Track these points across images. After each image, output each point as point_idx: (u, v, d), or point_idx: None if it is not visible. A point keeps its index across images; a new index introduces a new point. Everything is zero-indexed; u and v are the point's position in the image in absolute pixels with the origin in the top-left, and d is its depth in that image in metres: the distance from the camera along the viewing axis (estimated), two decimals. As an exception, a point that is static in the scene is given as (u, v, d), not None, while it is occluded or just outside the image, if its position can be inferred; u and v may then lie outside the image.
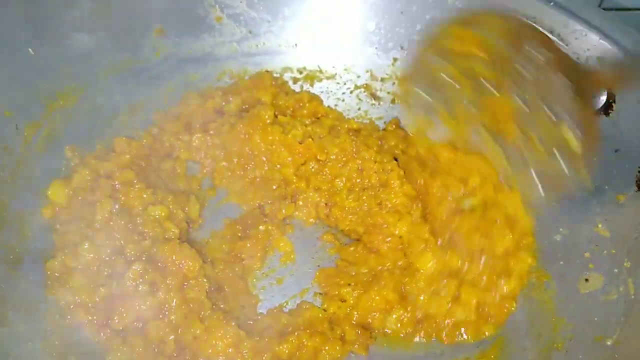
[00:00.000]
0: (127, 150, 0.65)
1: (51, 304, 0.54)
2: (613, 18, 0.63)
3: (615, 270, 0.57)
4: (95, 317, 0.54)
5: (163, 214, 0.60)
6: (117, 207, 0.59)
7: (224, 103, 0.72)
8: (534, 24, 0.54)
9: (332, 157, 0.67)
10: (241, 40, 0.76)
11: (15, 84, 0.60)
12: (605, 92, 0.61)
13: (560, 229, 0.63)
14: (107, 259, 0.56)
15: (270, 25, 0.76)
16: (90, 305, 0.54)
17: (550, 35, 0.53)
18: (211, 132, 0.69)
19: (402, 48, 0.75)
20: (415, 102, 0.59)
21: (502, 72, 0.53)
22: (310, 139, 0.68)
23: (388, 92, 0.77)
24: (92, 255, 0.56)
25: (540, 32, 0.53)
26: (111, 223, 0.58)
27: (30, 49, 0.61)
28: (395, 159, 0.68)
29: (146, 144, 0.68)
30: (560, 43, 0.54)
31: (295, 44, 0.77)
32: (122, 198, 0.60)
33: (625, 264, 0.56)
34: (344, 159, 0.68)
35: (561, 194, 0.55)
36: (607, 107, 0.61)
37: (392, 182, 0.66)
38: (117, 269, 0.55)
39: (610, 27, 0.62)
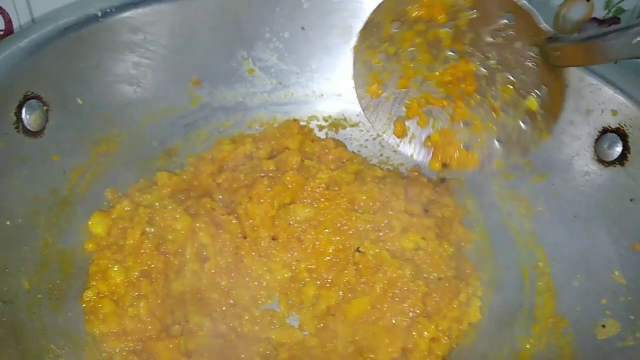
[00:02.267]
0: (168, 183, 0.70)
1: (89, 336, 0.58)
2: (627, 72, 0.66)
3: (632, 317, 0.58)
4: (126, 345, 0.57)
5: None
6: (152, 230, 0.63)
7: (254, 149, 0.77)
8: None
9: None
10: (271, 90, 0.81)
11: (64, 131, 0.64)
12: (621, 143, 0.64)
13: (578, 276, 0.64)
14: (134, 281, 0.60)
15: (299, 77, 0.81)
16: (120, 331, 0.58)
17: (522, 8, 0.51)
18: (241, 175, 0.73)
19: (423, 98, 0.79)
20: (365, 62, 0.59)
21: (464, 37, 0.53)
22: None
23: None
24: (120, 279, 0.60)
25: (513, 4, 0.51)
26: (142, 246, 0.62)
27: (79, 99, 0.66)
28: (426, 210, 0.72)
29: (186, 179, 0.72)
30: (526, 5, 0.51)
31: (322, 94, 0.82)
32: (159, 222, 0.64)
33: (641, 311, 0.58)
34: (374, 207, 0.71)
35: (521, 151, 0.57)
36: (622, 158, 0.63)
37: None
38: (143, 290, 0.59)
39: (624, 81, 0.65)
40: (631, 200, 0.62)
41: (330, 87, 0.82)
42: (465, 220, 0.75)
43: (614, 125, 0.64)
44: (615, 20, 0.96)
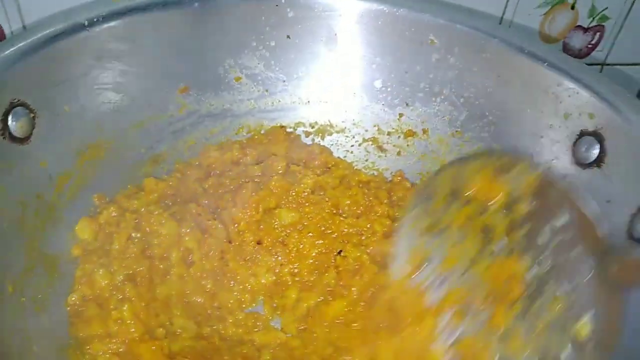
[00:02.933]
0: (155, 189, 0.71)
1: (73, 339, 0.59)
2: (603, 76, 0.67)
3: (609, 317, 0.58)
4: (110, 347, 0.58)
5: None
6: (138, 235, 0.64)
7: (241, 155, 0.78)
8: (563, 188, 0.46)
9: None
10: (258, 98, 0.82)
11: (51, 137, 0.65)
12: (598, 146, 0.65)
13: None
14: (119, 285, 0.61)
15: (285, 85, 0.82)
16: (104, 334, 0.59)
17: (577, 202, 0.45)
18: (227, 181, 0.74)
19: (407, 104, 0.80)
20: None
21: (519, 231, 0.46)
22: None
23: (394, 145, 0.82)
24: (106, 282, 0.61)
25: (568, 196, 0.46)
26: (128, 251, 0.64)
27: (66, 106, 0.67)
28: None
29: (173, 185, 0.73)
30: (587, 213, 0.44)
31: (308, 101, 0.83)
32: (145, 227, 0.65)
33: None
34: (358, 211, 0.72)
35: None
36: (599, 160, 0.64)
37: None
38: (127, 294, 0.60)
39: (600, 85, 0.66)
40: (607, 201, 0.63)
41: (316, 94, 0.83)
42: (448, 225, 0.76)
43: (591, 129, 0.65)
44: (599, 28, 0.97)
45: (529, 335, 0.45)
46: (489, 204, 0.47)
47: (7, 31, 0.78)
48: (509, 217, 0.46)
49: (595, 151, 0.64)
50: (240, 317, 0.66)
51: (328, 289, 0.67)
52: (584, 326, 0.43)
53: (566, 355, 0.43)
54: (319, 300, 0.66)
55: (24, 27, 0.79)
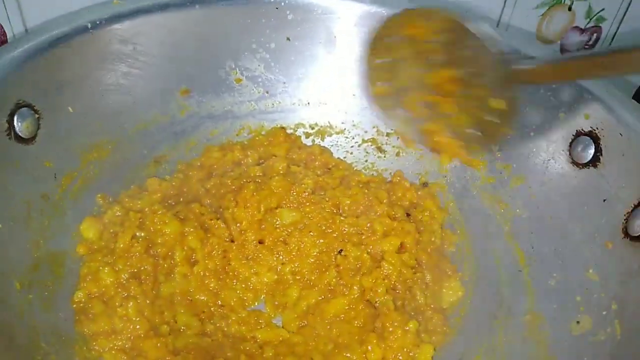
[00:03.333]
0: (158, 189, 0.72)
1: (79, 335, 0.60)
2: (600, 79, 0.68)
3: (604, 313, 0.59)
4: (115, 344, 0.59)
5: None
6: (142, 234, 0.66)
7: (242, 156, 0.79)
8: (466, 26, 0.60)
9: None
10: (259, 99, 0.83)
11: (56, 138, 0.67)
12: (593, 146, 0.66)
13: (554, 274, 0.66)
14: (124, 282, 0.62)
15: (286, 86, 0.83)
16: (110, 330, 0.60)
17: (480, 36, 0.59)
18: (229, 181, 0.75)
19: (405, 105, 0.81)
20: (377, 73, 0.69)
21: (447, 50, 0.62)
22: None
23: (393, 146, 0.83)
24: (111, 280, 0.62)
25: (472, 32, 0.60)
26: (132, 249, 0.65)
27: (70, 107, 0.69)
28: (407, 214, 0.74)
29: (175, 185, 0.75)
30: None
31: (308, 102, 0.84)
32: (149, 226, 0.67)
33: (612, 307, 0.59)
34: (358, 211, 0.73)
35: (491, 140, 0.64)
36: (595, 160, 0.65)
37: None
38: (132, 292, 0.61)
39: (596, 86, 0.67)
40: (604, 200, 0.64)
41: (316, 96, 0.84)
42: (447, 223, 0.77)
43: (586, 129, 0.66)
44: (596, 29, 0.98)
45: (466, 112, 0.63)
46: (423, 37, 0.63)
47: (9, 34, 0.80)
48: (438, 44, 0.62)
49: (591, 151, 0.66)
50: (243, 315, 0.67)
51: (329, 287, 0.68)
52: (500, 102, 0.59)
53: (487, 118, 0.61)
54: (319, 298, 0.67)
55: (26, 30, 0.80)
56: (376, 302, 0.66)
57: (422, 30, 0.63)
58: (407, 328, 0.63)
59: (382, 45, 0.67)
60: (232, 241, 0.71)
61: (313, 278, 0.69)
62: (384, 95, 0.70)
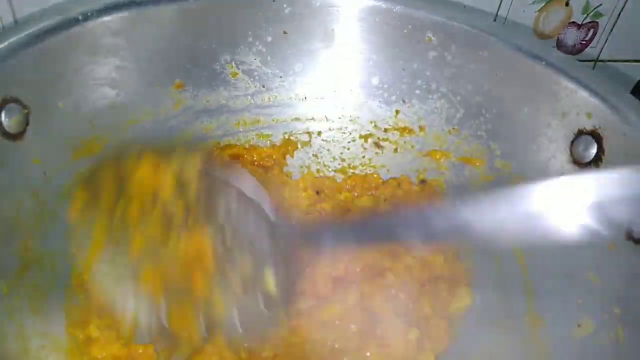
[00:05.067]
0: None
1: (71, 339, 0.58)
2: (602, 75, 0.67)
3: (606, 317, 0.59)
4: (108, 353, 0.57)
5: None
6: None
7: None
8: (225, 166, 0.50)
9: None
10: (255, 93, 0.81)
11: (45, 134, 0.64)
12: (595, 145, 0.65)
13: (555, 277, 0.65)
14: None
15: (282, 81, 0.81)
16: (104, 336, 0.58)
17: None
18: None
19: (404, 101, 0.80)
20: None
21: (198, 208, 0.48)
22: None
23: (390, 142, 0.82)
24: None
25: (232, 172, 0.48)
26: None
27: (60, 103, 0.66)
28: None
29: None
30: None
31: (305, 97, 0.83)
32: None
33: (615, 310, 0.59)
34: None
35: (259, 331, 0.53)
36: (597, 159, 0.65)
37: None
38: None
39: (598, 84, 0.66)
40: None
41: (313, 91, 0.83)
42: (445, 222, 0.76)
43: (588, 128, 0.65)
44: (593, 24, 0.97)
45: (228, 297, 0.49)
46: (159, 191, 0.48)
47: (-2, 25, 0.77)
48: (182, 198, 0.48)
49: (593, 150, 0.65)
50: None
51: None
52: (269, 281, 0.48)
53: (260, 308, 0.48)
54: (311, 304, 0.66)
55: (16, 21, 0.77)
56: (375, 308, 0.65)
57: (155, 186, 0.48)
58: (409, 337, 0.62)
59: (94, 201, 0.52)
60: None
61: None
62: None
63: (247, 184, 0.50)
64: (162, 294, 0.50)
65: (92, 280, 0.51)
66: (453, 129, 0.78)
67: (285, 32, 0.78)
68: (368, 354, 0.61)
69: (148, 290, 0.50)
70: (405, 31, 0.76)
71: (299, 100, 0.83)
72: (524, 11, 0.93)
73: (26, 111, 0.62)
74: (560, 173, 0.68)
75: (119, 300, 0.50)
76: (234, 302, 0.49)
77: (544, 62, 0.69)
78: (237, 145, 0.80)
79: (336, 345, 0.63)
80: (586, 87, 0.66)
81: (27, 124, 0.62)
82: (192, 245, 0.48)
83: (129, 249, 0.50)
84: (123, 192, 0.50)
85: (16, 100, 0.61)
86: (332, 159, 0.83)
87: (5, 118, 0.60)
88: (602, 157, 0.64)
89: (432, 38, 0.75)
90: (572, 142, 0.67)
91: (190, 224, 0.48)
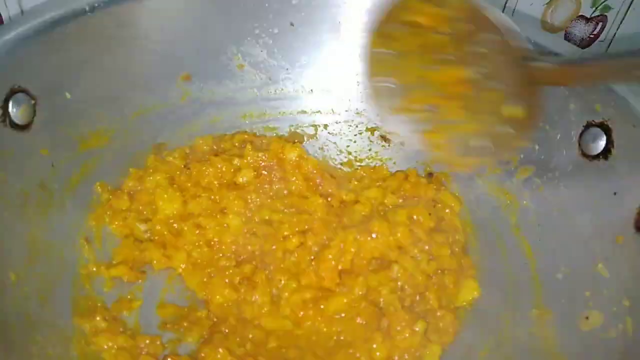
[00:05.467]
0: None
1: (77, 330, 0.58)
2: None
3: (614, 309, 0.58)
4: (114, 344, 0.58)
5: None
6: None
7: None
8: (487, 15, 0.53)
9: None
10: (261, 86, 0.81)
11: (52, 124, 0.65)
12: (604, 137, 0.64)
13: (562, 268, 0.65)
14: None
15: (289, 73, 0.81)
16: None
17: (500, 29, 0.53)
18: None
19: (411, 94, 0.80)
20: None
21: (461, 45, 0.55)
22: None
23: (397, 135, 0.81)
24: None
25: (493, 24, 0.53)
26: None
27: (67, 93, 0.66)
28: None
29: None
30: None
31: (311, 90, 0.82)
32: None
33: (624, 303, 0.58)
34: None
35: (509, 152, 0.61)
36: (606, 152, 0.64)
37: None
38: None
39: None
40: (614, 194, 0.63)
41: (319, 83, 0.82)
42: (452, 214, 0.76)
43: (597, 120, 0.65)
44: (602, 18, 0.97)
45: (476, 120, 0.56)
46: (435, 28, 0.56)
47: (4, 15, 0.77)
48: (452, 37, 0.55)
49: (602, 142, 0.64)
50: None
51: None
52: (516, 109, 0.53)
53: (499, 129, 0.54)
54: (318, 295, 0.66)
55: (22, 12, 0.77)
56: (381, 301, 0.65)
57: (431, 19, 0.56)
58: (416, 329, 0.61)
59: (384, 34, 0.61)
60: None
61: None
62: (382, 93, 0.63)
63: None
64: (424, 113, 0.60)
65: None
66: (460, 121, 0.78)
67: (292, 24, 0.78)
68: (374, 345, 0.61)
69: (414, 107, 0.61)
70: (412, 23, 0.76)
71: (305, 92, 0.83)
72: (531, 4, 0.93)
73: (33, 101, 0.62)
74: (569, 165, 0.67)
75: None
76: (479, 124, 0.57)
77: (552, 54, 0.68)
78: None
79: (342, 338, 0.63)
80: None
81: (34, 115, 0.62)
82: (450, 75, 0.56)
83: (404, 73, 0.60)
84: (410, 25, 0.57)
85: (24, 91, 0.61)
86: (338, 152, 0.83)
87: (13, 108, 0.60)
88: (611, 149, 0.63)
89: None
90: (581, 134, 0.66)
91: (455, 54, 0.55)
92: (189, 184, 0.72)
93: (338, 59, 0.81)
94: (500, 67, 0.53)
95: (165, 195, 0.68)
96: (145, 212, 0.70)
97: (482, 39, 0.53)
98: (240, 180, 0.72)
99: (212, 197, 0.71)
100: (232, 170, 0.72)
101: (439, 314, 0.64)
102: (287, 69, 0.81)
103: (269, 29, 0.78)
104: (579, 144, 0.66)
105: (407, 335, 0.61)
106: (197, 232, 0.68)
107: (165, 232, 0.68)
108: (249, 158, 0.73)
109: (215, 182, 0.72)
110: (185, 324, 0.62)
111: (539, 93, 0.52)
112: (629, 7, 0.95)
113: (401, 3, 0.59)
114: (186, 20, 0.74)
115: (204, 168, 0.71)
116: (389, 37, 0.60)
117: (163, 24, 0.72)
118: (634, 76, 0.49)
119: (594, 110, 0.65)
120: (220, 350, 0.58)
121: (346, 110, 0.83)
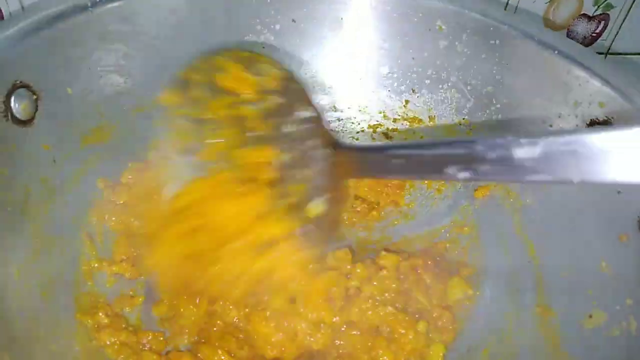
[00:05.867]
0: None
1: (80, 325, 0.58)
2: (615, 65, 0.67)
3: (618, 308, 0.58)
4: (117, 339, 0.57)
5: None
6: None
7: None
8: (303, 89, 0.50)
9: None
10: (263, 82, 0.81)
11: (54, 120, 0.64)
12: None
13: (565, 267, 0.65)
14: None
15: (290, 69, 0.81)
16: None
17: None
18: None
19: (413, 91, 0.79)
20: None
21: (268, 121, 0.50)
22: None
23: (400, 132, 0.81)
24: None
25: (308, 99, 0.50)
26: None
27: (69, 89, 0.66)
28: None
29: None
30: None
31: (313, 86, 0.82)
32: None
33: (627, 301, 0.58)
34: None
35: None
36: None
37: None
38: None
39: (611, 74, 0.66)
40: (618, 192, 0.62)
41: (321, 80, 0.82)
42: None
43: (601, 117, 0.64)
44: (604, 16, 0.96)
45: (276, 214, 0.49)
46: (242, 95, 0.50)
47: (5, 11, 0.76)
48: (260, 109, 0.50)
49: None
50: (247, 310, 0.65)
51: None
52: (317, 207, 0.48)
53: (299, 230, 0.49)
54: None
55: (23, 7, 0.77)
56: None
57: (241, 84, 0.50)
58: (418, 329, 0.61)
59: (189, 96, 0.54)
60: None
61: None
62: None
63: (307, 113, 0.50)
64: None
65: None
66: (463, 119, 0.78)
67: (293, 21, 0.78)
68: (380, 351, 0.61)
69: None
70: (415, 20, 0.75)
71: (308, 89, 0.82)
72: (534, 2, 0.92)
73: (35, 97, 0.62)
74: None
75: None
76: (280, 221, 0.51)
77: (555, 51, 0.68)
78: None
79: (341, 351, 0.62)
80: (598, 76, 0.65)
81: (36, 110, 0.62)
82: (256, 155, 0.50)
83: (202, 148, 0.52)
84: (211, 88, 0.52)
85: (25, 86, 0.61)
86: (340, 149, 0.82)
87: (14, 104, 0.59)
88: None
89: (443, 27, 0.75)
90: (585, 132, 0.66)
91: (260, 133, 0.50)
92: None
93: (340, 56, 0.80)
94: (308, 153, 0.49)
95: None
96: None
97: (295, 116, 0.49)
98: None
99: None
100: None
101: (435, 314, 0.64)
102: (289, 66, 0.81)
103: (271, 25, 0.77)
104: (583, 142, 0.66)
105: (411, 337, 0.61)
106: None
107: None
108: None
109: None
110: (180, 322, 0.62)
111: (342, 186, 0.48)
112: (631, 6, 0.95)
113: (211, 60, 0.54)
114: (187, 16, 0.73)
115: None
116: (191, 98, 0.54)
117: (163, 20, 0.72)
118: (446, 175, 0.43)
119: (598, 108, 0.65)
120: (219, 351, 0.57)
121: (348, 107, 0.83)
